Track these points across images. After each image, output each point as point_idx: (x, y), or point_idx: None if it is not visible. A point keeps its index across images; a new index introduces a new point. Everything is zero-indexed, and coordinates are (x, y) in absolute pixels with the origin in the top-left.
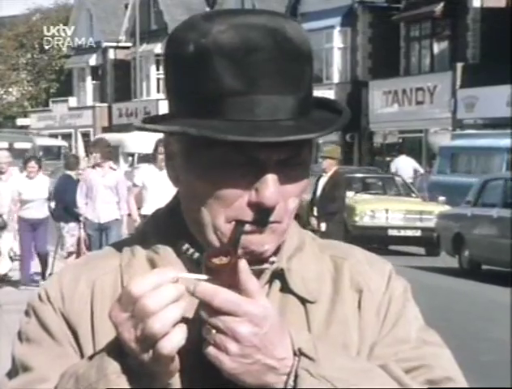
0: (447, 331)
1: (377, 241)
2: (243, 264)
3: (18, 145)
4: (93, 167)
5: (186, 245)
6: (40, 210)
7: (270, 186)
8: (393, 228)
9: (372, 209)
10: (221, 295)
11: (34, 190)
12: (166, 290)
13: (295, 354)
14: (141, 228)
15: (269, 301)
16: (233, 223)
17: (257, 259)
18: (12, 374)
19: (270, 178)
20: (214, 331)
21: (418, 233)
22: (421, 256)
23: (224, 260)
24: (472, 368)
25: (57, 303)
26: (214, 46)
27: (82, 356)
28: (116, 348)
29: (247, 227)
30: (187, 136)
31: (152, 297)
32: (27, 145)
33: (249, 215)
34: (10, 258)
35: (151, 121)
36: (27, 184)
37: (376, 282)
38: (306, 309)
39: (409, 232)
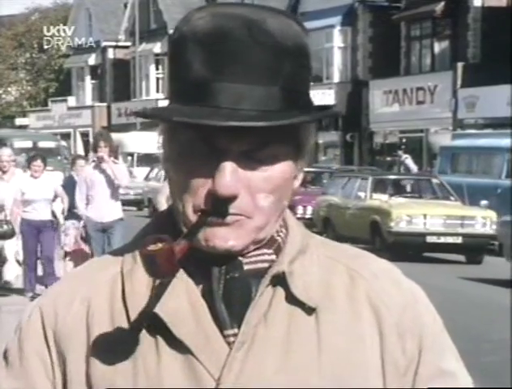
0: (449, 332)
1: (414, 248)
2: (178, 249)
3: (42, 144)
4: (98, 162)
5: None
6: (44, 211)
7: (226, 175)
8: (432, 234)
9: (408, 214)
10: None
11: (38, 190)
12: None
13: None
14: (143, 231)
15: (275, 310)
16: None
17: (223, 256)
18: None
19: (227, 167)
20: None
21: (459, 240)
22: (462, 264)
23: (160, 246)
24: (473, 369)
25: (50, 320)
26: (190, 33)
27: (64, 380)
28: None
29: (210, 219)
30: (166, 124)
31: None
32: (51, 144)
33: (209, 204)
34: (18, 262)
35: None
36: (30, 183)
37: (395, 299)
38: (318, 321)
39: (449, 239)
